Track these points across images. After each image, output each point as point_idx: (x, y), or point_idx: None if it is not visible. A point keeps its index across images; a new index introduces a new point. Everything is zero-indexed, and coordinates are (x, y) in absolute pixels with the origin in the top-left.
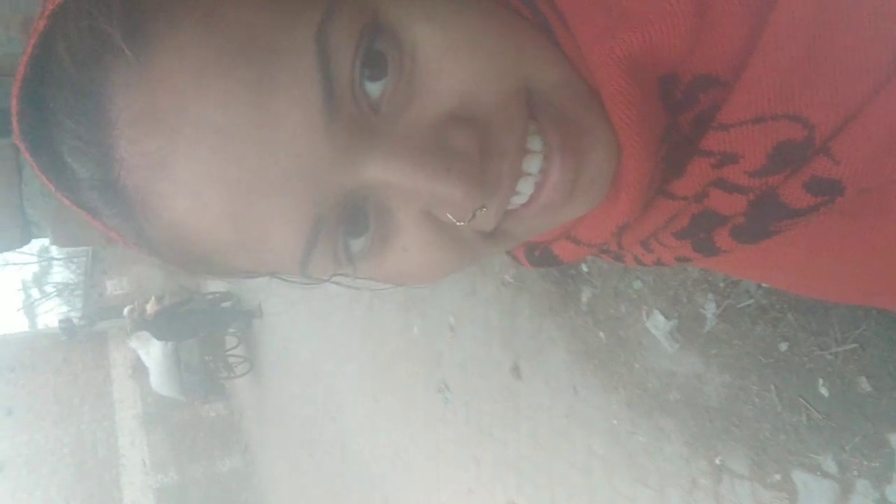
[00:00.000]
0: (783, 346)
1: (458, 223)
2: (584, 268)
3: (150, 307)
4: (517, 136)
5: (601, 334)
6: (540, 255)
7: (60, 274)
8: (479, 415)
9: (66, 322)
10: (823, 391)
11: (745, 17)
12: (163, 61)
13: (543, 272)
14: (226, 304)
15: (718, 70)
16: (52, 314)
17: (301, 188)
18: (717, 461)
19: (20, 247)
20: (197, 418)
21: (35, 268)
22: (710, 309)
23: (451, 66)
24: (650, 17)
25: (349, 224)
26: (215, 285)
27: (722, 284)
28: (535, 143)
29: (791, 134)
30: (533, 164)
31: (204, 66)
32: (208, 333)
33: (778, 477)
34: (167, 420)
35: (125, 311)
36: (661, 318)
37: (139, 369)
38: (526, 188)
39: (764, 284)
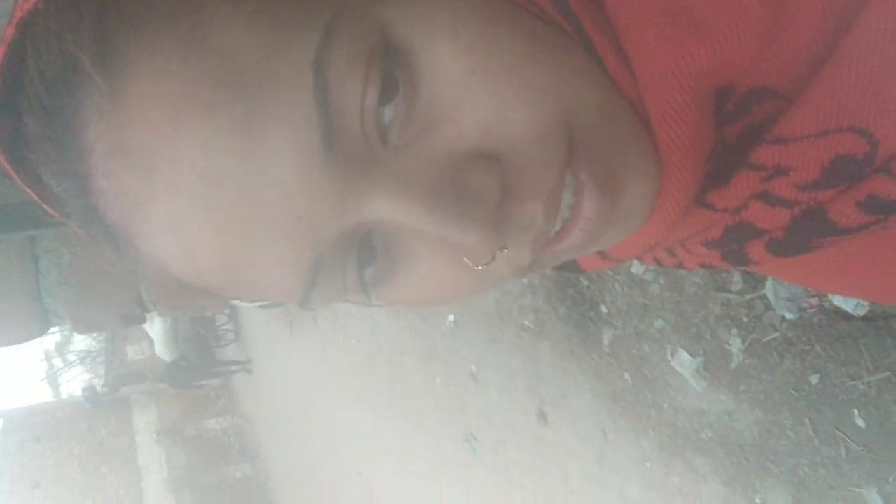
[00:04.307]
0: (814, 379)
1: (475, 267)
2: (604, 309)
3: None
4: (553, 177)
5: (626, 376)
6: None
7: (82, 342)
8: (508, 464)
9: (89, 390)
10: (860, 422)
11: (819, 29)
12: (137, 91)
13: (563, 316)
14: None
15: (779, 83)
16: (74, 382)
17: (295, 233)
18: (757, 500)
19: (39, 336)
20: (223, 481)
21: (57, 337)
22: (735, 344)
23: (475, 95)
24: (722, 27)
25: (359, 254)
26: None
27: (745, 319)
28: (567, 181)
29: (851, 148)
30: (563, 204)
31: (182, 99)
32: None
33: None
34: (194, 484)
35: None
36: (686, 356)
37: (164, 433)
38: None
39: (788, 316)
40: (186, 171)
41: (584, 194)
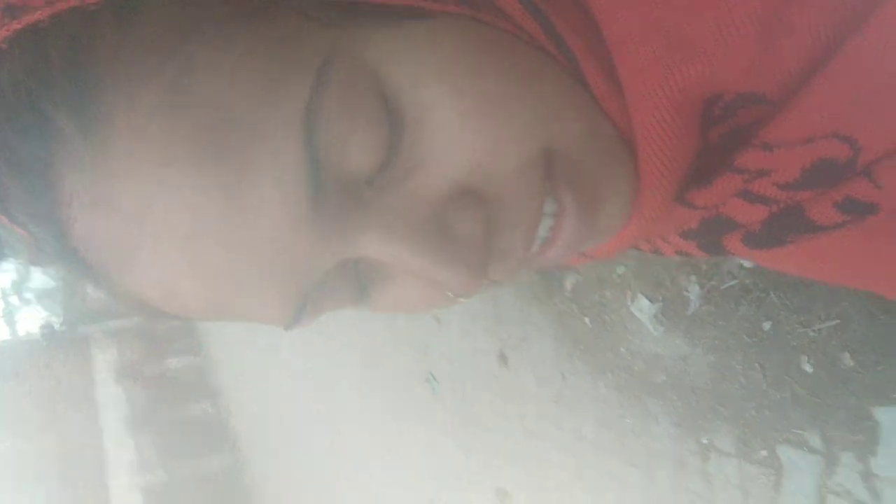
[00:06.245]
0: (767, 326)
1: (458, 299)
2: None
3: None
4: (534, 207)
5: (586, 320)
6: None
7: (40, 280)
8: (468, 404)
9: (47, 328)
10: (807, 368)
11: (812, 43)
12: (119, 146)
13: None
14: None
15: (766, 89)
16: (32, 321)
17: (283, 280)
18: (704, 440)
19: None
20: (184, 418)
21: (13, 275)
22: (693, 291)
23: (464, 137)
24: (713, 47)
25: (344, 279)
26: None
27: (704, 267)
28: (547, 205)
29: (835, 152)
30: (543, 227)
31: (168, 156)
32: None
33: (764, 453)
34: (153, 422)
35: None
36: (645, 302)
37: (123, 372)
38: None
39: (746, 265)
40: (172, 228)
41: (565, 218)
